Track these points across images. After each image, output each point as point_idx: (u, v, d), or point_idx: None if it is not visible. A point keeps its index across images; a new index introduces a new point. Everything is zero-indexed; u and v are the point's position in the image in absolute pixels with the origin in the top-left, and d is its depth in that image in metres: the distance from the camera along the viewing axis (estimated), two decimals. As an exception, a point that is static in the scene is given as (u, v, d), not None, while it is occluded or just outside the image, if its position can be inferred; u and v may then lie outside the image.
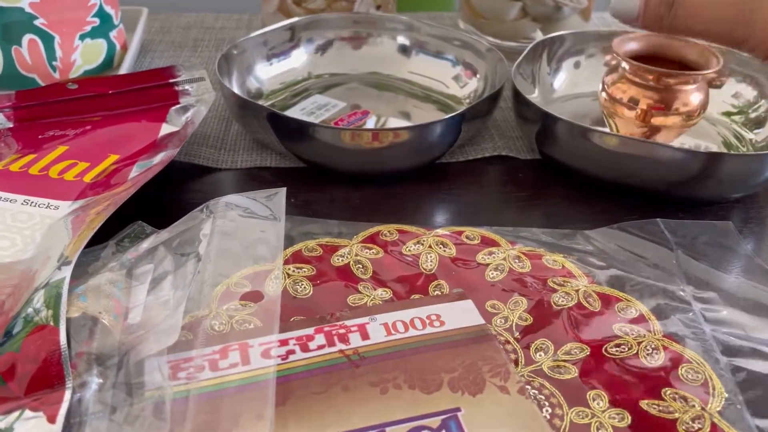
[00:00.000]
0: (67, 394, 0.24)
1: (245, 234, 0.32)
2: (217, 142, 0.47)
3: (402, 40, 0.55)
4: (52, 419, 0.23)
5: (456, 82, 0.52)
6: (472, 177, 0.45)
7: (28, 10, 0.47)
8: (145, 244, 0.30)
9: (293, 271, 0.34)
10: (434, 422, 0.25)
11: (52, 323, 0.26)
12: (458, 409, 0.25)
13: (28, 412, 0.24)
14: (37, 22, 0.48)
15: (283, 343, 0.28)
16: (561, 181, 0.44)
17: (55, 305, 0.26)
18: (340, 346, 0.28)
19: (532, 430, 0.25)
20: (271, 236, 0.32)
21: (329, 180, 0.44)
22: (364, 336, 0.28)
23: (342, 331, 0.29)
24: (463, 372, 0.27)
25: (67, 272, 0.28)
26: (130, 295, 0.28)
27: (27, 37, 0.48)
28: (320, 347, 0.28)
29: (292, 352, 0.27)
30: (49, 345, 0.25)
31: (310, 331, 0.29)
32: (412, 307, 0.30)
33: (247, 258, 0.31)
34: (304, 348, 0.28)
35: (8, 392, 0.25)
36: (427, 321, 0.29)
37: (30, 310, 0.27)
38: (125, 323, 0.26)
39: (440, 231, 0.37)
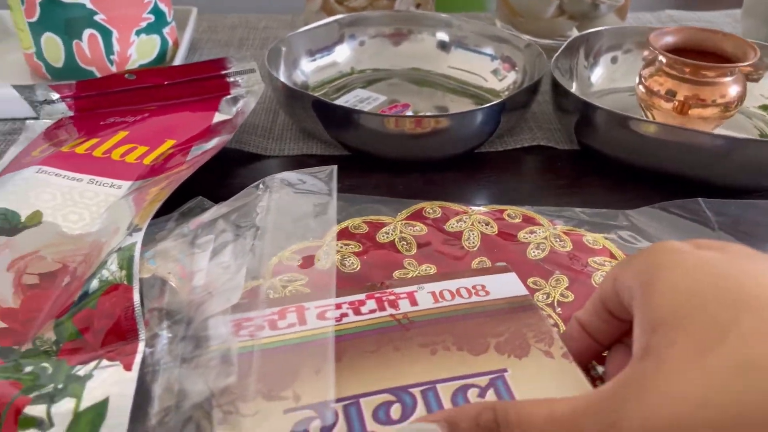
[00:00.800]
0: (141, 346, 0.26)
1: (299, 208, 0.33)
2: (266, 132, 0.49)
3: (442, 36, 0.56)
4: (128, 367, 0.25)
5: (495, 76, 0.53)
6: (511, 165, 0.46)
7: (89, 6, 0.50)
8: (206, 216, 0.32)
9: (341, 247, 0.36)
10: (482, 381, 0.26)
11: (126, 282, 0.28)
12: (505, 370, 0.26)
13: (104, 362, 0.26)
14: (97, 18, 0.50)
15: (337, 306, 0.29)
16: (600, 170, 0.45)
17: (129, 266, 0.28)
18: (390, 310, 0.29)
19: (576, 391, 0.26)
20: (324, 211, 0.33)
21: (373, 167, 0.45)
22: (413, 302, 0.30)
23: (392, 297, 0.30)
24: (509, 337, 0.28)
25: (138, 237, 0.30)
26: (194, 261, 0.30)
27: (87, 32, 0.51)
28: (371, 311, 0.29)
29: (345, 315, 0.29)
30: (123, 302, 0.27)
31: (361, 296, 0.30)
32: (458, 278, 0.32)
33: (300, 231, 0.33)
34: (357, 312, 0.29)
35: (85, 344, 0.27)
36: (473, 290, 0.31)
37: (104, 271, 0.29)
38: (190, 285, 0.28)
39: (482, 209, 0.39)
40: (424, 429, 0.23)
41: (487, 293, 0.31)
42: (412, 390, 0.26)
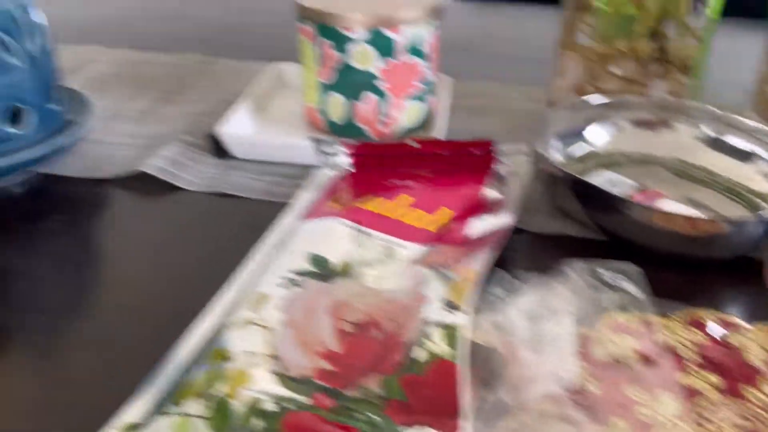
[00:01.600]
0: (463, 424, 0.29)
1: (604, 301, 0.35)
2: (518, 203, 0.51)
3: (705, 128, 0.56)
4: None
5: (765, 179, 0.52)
6: (785, 276, 0.44)
7: (376, 74, 0.56)
8: (520, 301, 0.35)
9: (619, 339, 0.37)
10: None
11: (454, 361, 0.31)
12: None
13: (429, 430, 0.29)
14: (378, 84, 0.56)
15: None
16: None
17: (456, 346, 0.32)
18: None
19: None
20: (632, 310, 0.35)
21: (629, 256, 0.45)
22: None
23: None
24: None
25: (464, 320, 0.33)
26: (515, 337, 0.33)
27: (368, 95, 0.57)
28: None
29: None
30: (450, 379, 0.30)
31: None
32: None
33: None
34: None
35: (409, 407, 0.30)
36: None
37: (429, 342, 0.32)
38: (515, 359, 0.31)
39: (764, 325, 0.38)
40: None
41: None
42: None
